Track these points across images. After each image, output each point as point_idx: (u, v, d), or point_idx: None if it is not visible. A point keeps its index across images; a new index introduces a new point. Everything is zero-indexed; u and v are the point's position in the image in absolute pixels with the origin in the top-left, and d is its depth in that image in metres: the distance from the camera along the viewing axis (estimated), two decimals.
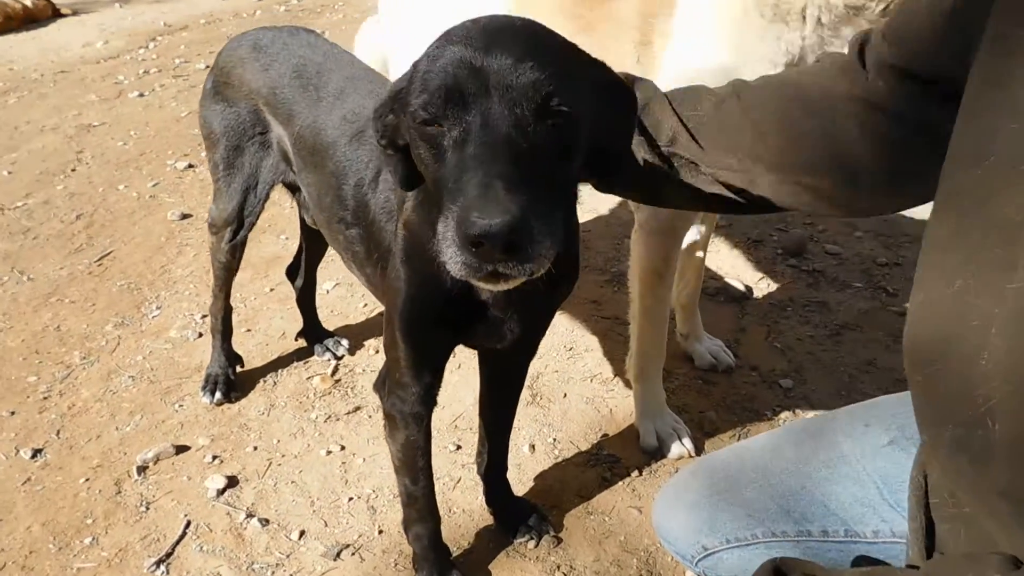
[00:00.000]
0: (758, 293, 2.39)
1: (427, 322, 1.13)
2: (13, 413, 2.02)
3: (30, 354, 2.27)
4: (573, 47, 0.90)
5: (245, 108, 1.69)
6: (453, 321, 1.12)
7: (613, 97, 0.91)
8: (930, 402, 0.72)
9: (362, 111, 1.42)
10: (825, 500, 1.13)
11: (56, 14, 6.74)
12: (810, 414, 1.88)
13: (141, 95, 4.62)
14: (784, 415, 1.89)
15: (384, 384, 1.32)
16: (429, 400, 1.27)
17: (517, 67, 0.76)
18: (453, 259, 0.72)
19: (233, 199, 1.76)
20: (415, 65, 0.86)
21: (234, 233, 1.82)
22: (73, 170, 3.59)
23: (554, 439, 1.86)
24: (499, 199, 0.67)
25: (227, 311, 2.04)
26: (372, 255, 1.33)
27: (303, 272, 2.18)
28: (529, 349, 1.42)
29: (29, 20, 6.50)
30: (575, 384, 2.04)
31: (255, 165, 1.73)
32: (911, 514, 0.82)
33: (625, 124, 0.93)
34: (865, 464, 1.10)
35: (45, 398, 2.08)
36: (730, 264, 2.54)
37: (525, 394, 1.98)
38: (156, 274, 2.68)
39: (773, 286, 2.42)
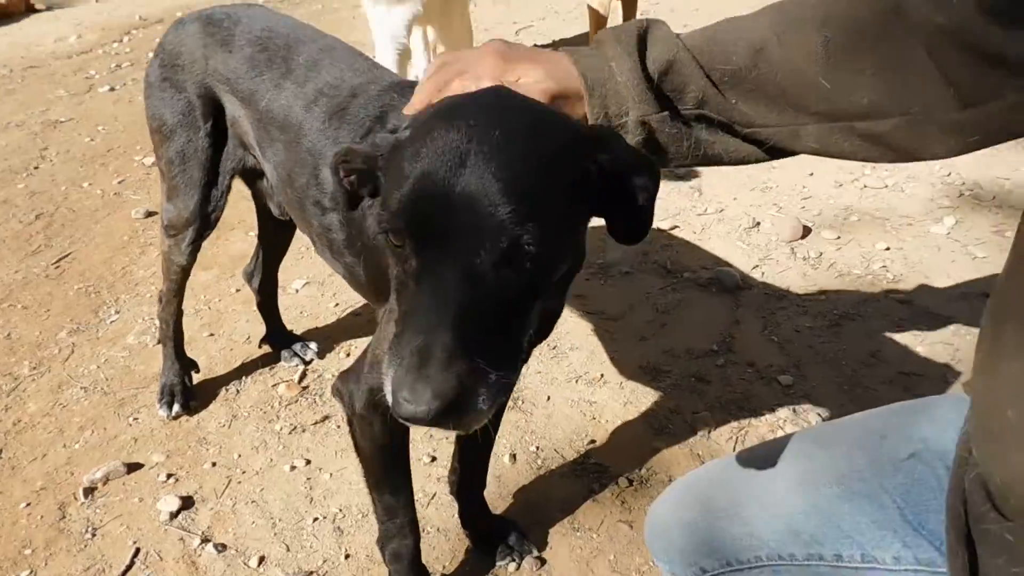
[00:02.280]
0: (753, 282, 2.25)
1: None
2: None
3: None
4: (577, 133, 0.77)
5: (196, 92, 1.54)
6: None
7: (626, 182, 0.79)
8: None
9: (341, 84, 1.31)
10: (838, 520, 0.99)
11: (30, 9, 6.55)
12: (811, 412, 1.74)
13: (112, 89, 4.45)
14: (784, 414, 1.76)
15: (352, 382, 1.17)
16: None
17: (484, 203, 0.67)
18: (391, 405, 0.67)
19: (193, 196, 1.61)
20: (398, 144, 0.77)
21: (197, 232, 1.66)
22: (36, 168, 3.44)
23: (537, 447, 1.72)
24: (431, 377, 0.63)
25: (179, 316, 1.90)
26: (355, 243, 1.21)
27: (261, 272, 2.03)
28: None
29: (1, 16, 6.31)
30: (559, 386, 1.90)
31: (214, 156, 1.58)
32: (951, 548, 0.69)
33: (639, 202, 0.81)
34: (883, 480, 0.96)
35: None
36: (722, 251, 2.40)
37: None
38: (116, 276, 2.53)
39: (769, 274, 2.28)
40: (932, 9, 0.72)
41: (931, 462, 0.95)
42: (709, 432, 1.73)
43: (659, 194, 0.82)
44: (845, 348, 1.94)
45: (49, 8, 6.63)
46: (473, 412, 0.65)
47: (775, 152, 0.89)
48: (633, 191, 0.79)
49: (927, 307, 2.06)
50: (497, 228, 0.66)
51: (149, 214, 2.92)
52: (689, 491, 1.10)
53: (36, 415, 1.93)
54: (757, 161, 0.92)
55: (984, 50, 0.70)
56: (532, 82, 0.84)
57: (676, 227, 2.54)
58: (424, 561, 1.41)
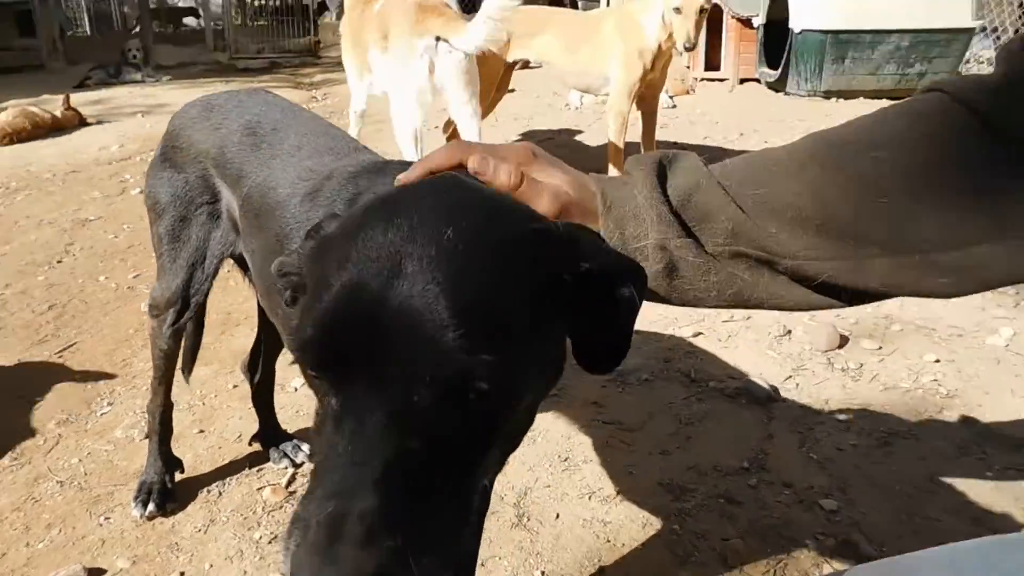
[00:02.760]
0: (787, 394, 2.06)
1: None
2: None
3: None
4: (549, 232, 0.64)
5: (193, 173, 1.51)
6: None
7: (608, 293, 0.66)
8: None
9: (320, 168, 1.24)
10: None
11: (82, 123, 6.93)
12: (864, 544, 1.51)
13: (143, 191, 4.57)
14: (830, 544, 1.53)
15: None
16: None
17: (426, 323, 0.53)
18: None
19: (177, 276, 1.55)
20: (321, 245, 0.63)
21: (178, 315, 1.59)
22: (59, 262, 3.46)
23: (542, 572, 1.51)
24: (341, 560, 0.46)
25: (167, 408, 1.79)
26: None
27: (258, 365, 1.92)
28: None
29: (56, 129, 6.68)
30: (570, 503, 1.70)
31: (203, 237, 1.53)
32: None
33: (622, 318, 0.67)
34: None
35: None
36: (751, 361, 2.23)
37: (509, 514, 1.65)
38: (116, 367, 2.44)
39: (804, 386, 2.10)
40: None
41: None
42: (742, 563, 1.50)
43: None
44: (898, 471, 1.72)
45: (99, 122, 7.02)
46: None
47: (830, 291, 0.74)
48: (616, 304, 0.64)
49: (991, 427, 1.84)
50: (441, 357, 0.52)
51: None
52: None
53: (5, 509, 1.77)
54: (809, 308, 0.78)
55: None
56: (551, 183, 0.78)
57: (699, 334, 2.39)
58: None
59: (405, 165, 1.16)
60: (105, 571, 1.57)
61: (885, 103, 0.81)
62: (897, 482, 1.68)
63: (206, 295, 1.59)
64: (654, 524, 1.62)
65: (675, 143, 5.21)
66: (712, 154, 4.90)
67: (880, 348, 2.24)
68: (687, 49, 3.61)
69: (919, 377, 2.08)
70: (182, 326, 1.63)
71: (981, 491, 1.64)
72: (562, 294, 0.61)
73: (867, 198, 0.69)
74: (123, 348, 2.57)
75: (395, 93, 3.38)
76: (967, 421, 1.88)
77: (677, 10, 3.56)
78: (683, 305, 0.80)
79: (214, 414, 2.15)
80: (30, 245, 3.70)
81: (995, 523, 1.54)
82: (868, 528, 1.56)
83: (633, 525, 1.61)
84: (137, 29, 12.03)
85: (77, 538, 1.67)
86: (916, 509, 1.60)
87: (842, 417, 1.93)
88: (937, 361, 2.14)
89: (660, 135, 4.98)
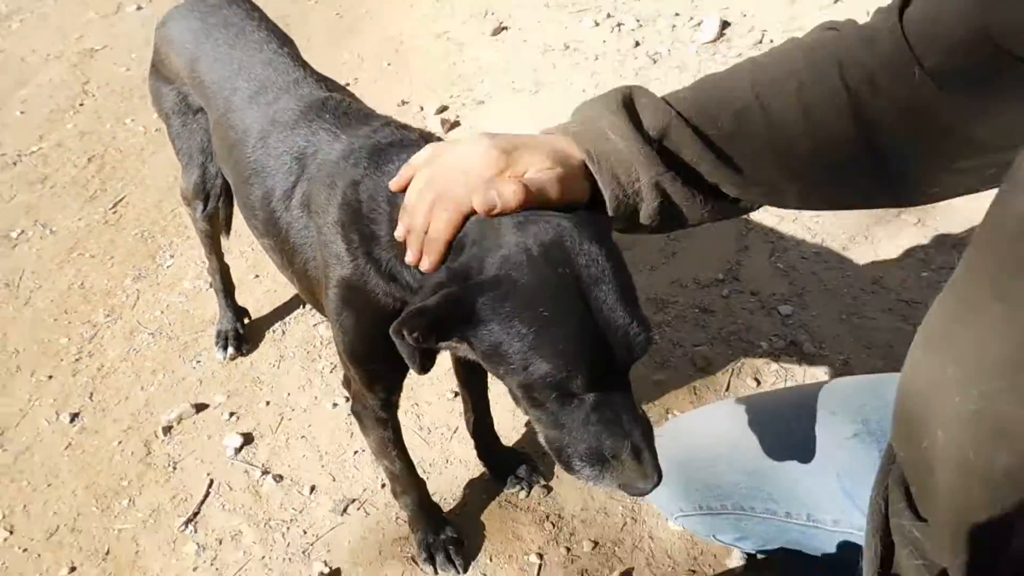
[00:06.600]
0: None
1: (375, 359, 1.15)
2: (51, 377, 2.17)
3: (60, 314, 2.40)
4: None
5: (182, 86, 1.65)
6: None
7: None
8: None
9: (269, 110, 1.33)
10: (791, 484, 1.15)
11: None
12: (808, 344, 1.83)
13: (139, 8, 4.46)
14: (780, 345, 1.86)
15: (361, 408, 1.35)
16: (390, 406, 1.31)
17: (632, 325, 0.79)
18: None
19: (193, 173, 1.77)
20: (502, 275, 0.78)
21: (204, 204, 1.84)
22: (81, 104, 3.58)
23: None
24: (654, 463, 0.84)
25: (224, 269, 2.10)
26: (287, 268, 1.31)
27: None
28: None
29: None
30: None
31: (205, 140, 1.70)
32: (866, 541, 0.80)
33: None
34: (830, 454, 1.11)
35: (77, 360, 2.22)
36: None
37: None
38: (168, 219, 2.73)
39: None
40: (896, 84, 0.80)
41: (869, 443, 1.06)
42: (707, 365, 1.85)
43: None
44: (848, 275, 1.99)
45: None
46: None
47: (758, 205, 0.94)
48: None
49: (939, 230, 2.05)
50: (647, 342, 0.81)
51: None
52: (671, 442, 1.19)
53: (115, 360, 2.20)
54: (740, 215, 0.99)
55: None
56: (542, 170, 0.83)
57: None
58: (446, 490, 1.65)
59: (340, 102, 1.27)
60: (208, 405, 2.02)
61: None
62: (845, 286, 1.96)
63: (223, 187, 1.79)
64: None
65: None
66: None
67: None
68: None
69: None
70: (212, 210, 1.86)
71: (914, 289, 1.92)
72: None
73: (793, 142, 0.84)
74: (168, 199, 2.83)
75: None
76: (917, 223, 2.08)
77: None
78: (682, 228, 0.96)
79: (264, 258, 2.43)
80: (47, 86, 3.78)
81: (917, 317, 1.82)
82: (814, 329, 1.88)
83: None
84: None
85: (178, 380, 2.10)
86: (857, 309, 1.90)
87: (810, 224, 2.16)
88: None
89: None
